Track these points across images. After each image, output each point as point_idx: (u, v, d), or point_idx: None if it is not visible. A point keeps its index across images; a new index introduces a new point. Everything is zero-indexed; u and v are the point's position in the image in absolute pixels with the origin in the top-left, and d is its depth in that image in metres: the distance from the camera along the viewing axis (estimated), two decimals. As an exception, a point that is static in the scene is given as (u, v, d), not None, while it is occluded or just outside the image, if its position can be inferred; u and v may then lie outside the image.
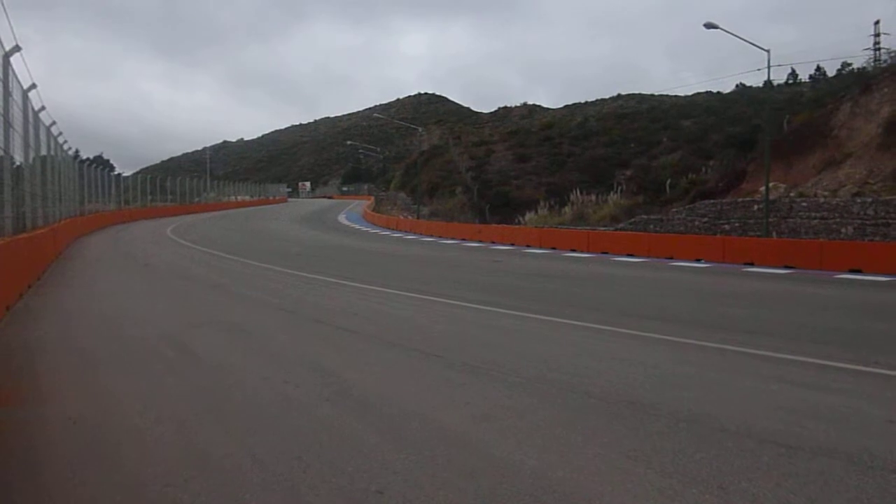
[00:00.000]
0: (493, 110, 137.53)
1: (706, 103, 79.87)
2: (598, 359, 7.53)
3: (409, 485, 4.08)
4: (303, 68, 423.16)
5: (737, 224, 25.40)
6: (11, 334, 9.32)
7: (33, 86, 19.37)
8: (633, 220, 30.00)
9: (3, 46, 14.68)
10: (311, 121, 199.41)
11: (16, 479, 4.35)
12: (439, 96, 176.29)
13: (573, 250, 25.56)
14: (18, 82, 16.97)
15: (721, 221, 25.99)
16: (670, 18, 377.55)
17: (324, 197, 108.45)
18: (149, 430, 5.24)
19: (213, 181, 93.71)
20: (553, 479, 4.15)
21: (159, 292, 14.06)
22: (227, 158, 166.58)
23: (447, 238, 34.61)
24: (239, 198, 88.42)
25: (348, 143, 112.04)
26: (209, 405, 5.90)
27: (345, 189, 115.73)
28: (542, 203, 42.78)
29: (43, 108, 22.90)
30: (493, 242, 30.53)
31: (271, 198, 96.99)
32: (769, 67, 27.40)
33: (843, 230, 21.89)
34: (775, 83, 52.67)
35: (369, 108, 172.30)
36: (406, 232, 40.42)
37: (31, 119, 19.53)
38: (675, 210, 29.07)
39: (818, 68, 75.32)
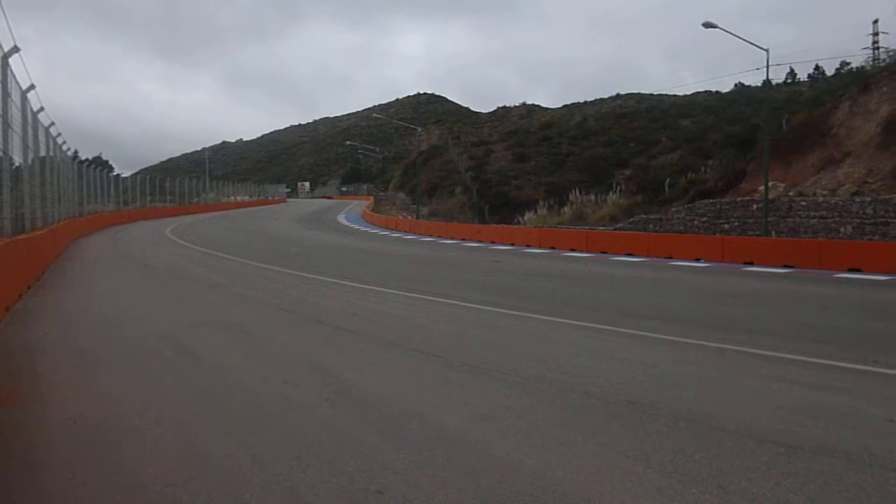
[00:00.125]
0: (492, 110, 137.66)
1: (705, 103, 79.93)
2: (598, 358, 7.53)
3: (408, 485, 4.08)
4: (301, 68, 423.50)
5: (736, 223, 25.41)
6: (11, 335, 9.32)
7: (32, 86, 19.36)
8: (632, 219, 30.02)
9: (1, 47, 14.67)
10: (310, 121, 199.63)
11: (16, 480, 4.35)
12: (438, 96, 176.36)
13: (572, 250, 25.57)
14: (17, 83, 16.95)
15: (720, 221, 26.00)
16: (669, 18, 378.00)
17: (323, 197, 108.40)
18: (148, 431, 5.24)
19: (212, 182, 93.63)
20: (552, 478, 4.15)
21: (159, 293, 14.06)
22: (227, 159, 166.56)
23: (446, 238, 34.60)
24: (238, 198, 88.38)
25: (347, 143, 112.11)
26: (209, 405, 5.90)
27: (344, 189, 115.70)
28: (541, 203, 42.82)
29: (42, 108, 22.88)
30: (493, 242, 30.53)
31: (270, 198, 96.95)
32: (768, 67, 27.42)
33: (842, 229, 21.91)
34: (774, 82, 52.70)
35: (368, 109, 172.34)
36: (405, 232, 40.42)
37: (29, 120, 19.51)
38: (674, 209, 29.09)
39: (817, 67, 75.42)
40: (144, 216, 51.68)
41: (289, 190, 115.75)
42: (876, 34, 49.73)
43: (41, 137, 22.85)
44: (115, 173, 64.55)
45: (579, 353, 7.81)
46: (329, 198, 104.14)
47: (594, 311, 10.89)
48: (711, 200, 27.78)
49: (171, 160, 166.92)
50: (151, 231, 37.61)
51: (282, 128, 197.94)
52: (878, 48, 46.92)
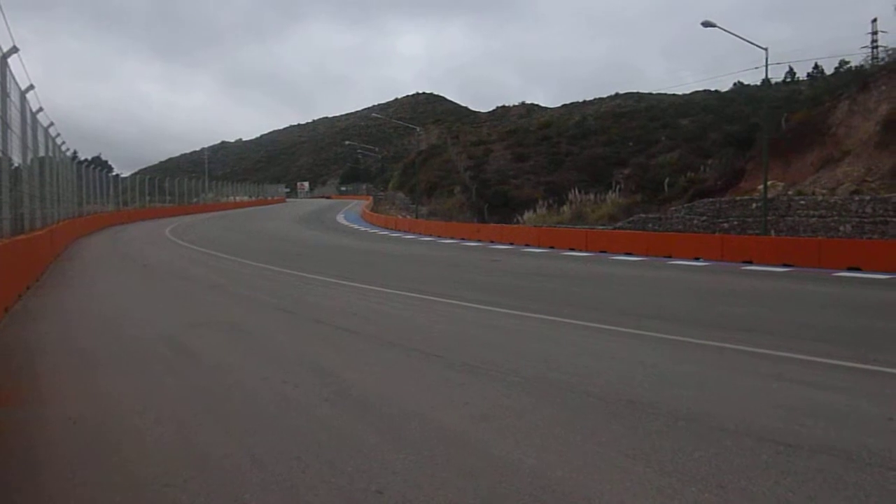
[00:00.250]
0: (491, 110, 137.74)
1: (704, 102, 80.00)
2: (597, 358, 7.54)
3: (408, 485, 4.08)
4: (300, 69, 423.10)
5: (735, 222, 25.42)
6: (11, 335, 9.32)
7: (31, 87, 19.35)
8: (631, 218, 30.03)
9: (0, 47, 14.67)
10: (310, 121, 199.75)
11: (16, 480, 4.35)
12: (437, 96, 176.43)
13: (572, 249, 25.57)
14: (16, 83, 16.95)
15: (720, 220, 26.01)
16: (667, 18, 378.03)
17: (322, 197, 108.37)
18: (148, 431, 5.25)
19: (211, 182, 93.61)
20: (552, 478, 4.16)
21: (158, 293, 14.06)
22: (226, 159, 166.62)
23: (446, 237, 34.61)
24: (237, 198, 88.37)
25: (346, 143, 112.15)
26: (208, 405, 5.90)
27: (343, 189, 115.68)
28: (540, 202, 42.83)
29: (41, 109, 22.88)
30: (492, 242, 30.53)
31: (270, 198, 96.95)
32: (767, 66, 27.41)
33: (841, 228, 21.91)
34: (773, 81, 52.74)
35: (367, 108, 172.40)
36: (405, 232, 40.42)
37: (28, 120, 19.51)
38: (673, 209, 29.10)
39: (816, 66, 75.24)
40: (144, 216, 51.67)
41: (288, 190, 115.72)
42: (875, 33, 49.70)
43: (40, 138, 22.84)
44: (114, 173, 64.61)
45: (579, 353, 7.81)
46: (328, 198, 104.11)
47: (593, 311, 10.89)
48: (711, 199, 27.78)
49: (170, 160, 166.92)
50: (151, 231, 37.61)
51: (281, 128, 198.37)
52: (876, 47, 46.91)
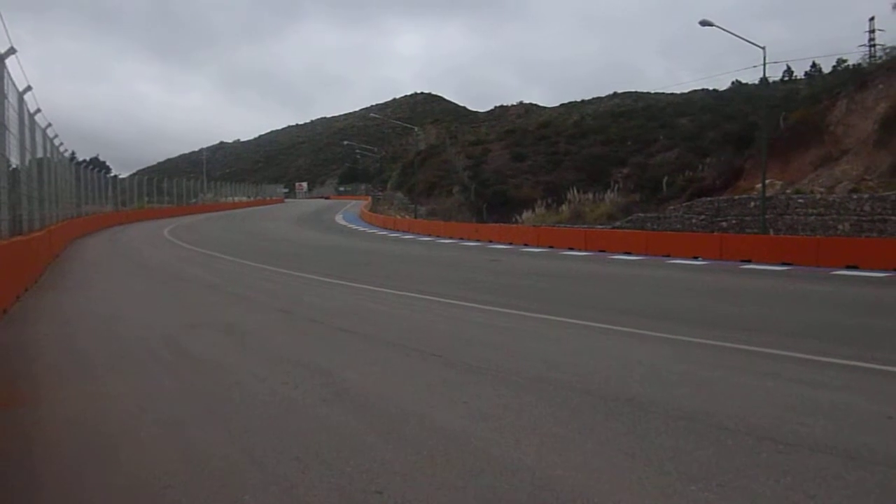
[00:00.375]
0: (489, 109, 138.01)
1: (702, 101, 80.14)
2: (597, 357, 7.54)
3: (407, 484, 4.07)
4: (298, 69, 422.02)
5: (734, 221, 25.43)
6: (9, 336, 9.30)
7: (29, 88, 19.34)
8: (630, 218, 30.03)
9: (-2, 49, 14.66)
10: (308, 121, 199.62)
11: (14, 481, 4.34)
12: (435, 96, 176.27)
13: (570, 249, 25.57)
14: (14, 85, 16.94)
15: (718, 219, 26.02)
16: (665, 17, 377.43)
17: (321, 197, 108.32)
18: (147, 432, 5.24)
19: (209, 182, 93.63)
20: (551, 477, 4.15)
21: (157, 294, 14.05)
22: (224, 159, 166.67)
23: (445, 237, 34.61)
24: (236, 199, 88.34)
25: (345, 143, 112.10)
26: (207, 406, 5.89)
27: (342, 189, 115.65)
28: (539, 202, 42.86)
29: (38, 110, 22.88)
30: (491, 241, 30.53)
31: (268, 198, 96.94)
32: (765, 64, 27.49)
33: (839, 226, 21.93)
34: (771, 80, 52.73)
35: (365, 108, 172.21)
36: (403, 232, 40.42)
37: (26, 121, 19.50)
38: (672, 208, 29.12)
39: (814, 65, 75.32)
40: (142, 217, 51.64)
41: (286, 190, 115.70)
42: (872, 31, 49.74)
43: (38, 139, 22.83)
44: (112, 174, 64.53)
45: (578, 352, 7.81)
46: (327, 198, 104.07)
47: (592, 310, 10.89)
48: (709, 198, 27.79)
49: (168, 161, 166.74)
50: (149, 232, 37.58)
51: (279, 128, 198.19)
52: (874, 45, 46.92)
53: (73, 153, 45.50)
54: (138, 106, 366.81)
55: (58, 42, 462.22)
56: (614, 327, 9.24)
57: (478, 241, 31.34)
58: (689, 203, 28.57)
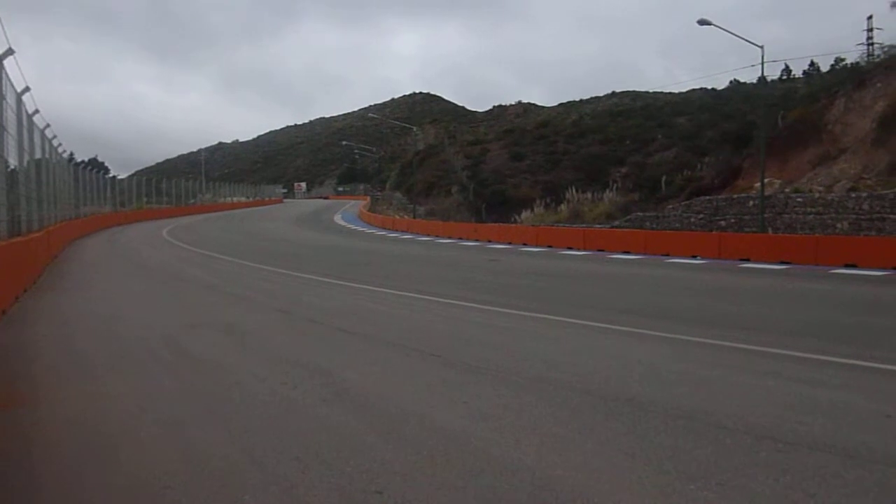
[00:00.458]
0: (487, 109, 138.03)
1: (700, 100, 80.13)
2: (596, 357, 7.54)
3: (407, 484, 4.07)
4: (296, 69, 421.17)
5: (732, 220, 25.44)
6: (8, 337, 9.30)
7: (27, 89, 19.33)
8: (628, 217, 30.02)
9: (-4, 49, 14.65)
10: (306, 121, 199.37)
11: (13, 482, 4.34)
12: (434, 95, 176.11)
13: (569, 248, 25.59)
14: (12, 85, 16.94)
15: (717, 218, 26.03)
16: (663, 16, 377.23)
17: (319, 197, 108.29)
18: (147, 432, 5.24)
19: (208, 182, 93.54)
20: (551, 477, 4.15)
21: (156, 294, 14.04)
22: (223, 160, 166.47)
23: (443, 237, 34.61)
24: (235, 199, 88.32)
25: (343, 143, 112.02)
26: (207, 406, 5.89)
27: (340, 189, 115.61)
28: (537, 201, 42.83)
29: (37, 111, 22.85)
30: (490, 241, 30.54)
31: (267, 199, 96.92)
32: (763, 64, 27.55)
33: (838, 225, 21.94)
34: (769, 79, 52.78)
35: (364, 108, 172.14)
36: (402, 232, 40.42)
37: (25, 122, 19.48)
38: (670, 207, 29.11)
39: (812, 64, 75.39)
40: (141, 218, 51.61)
41: (285, 191, 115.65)
42: (870, 30, 49.88)
43: (37, 140, 22.82)
44: (111, 175, 64.56)
45: (577, 352, 7.82)
46: (325, 198, 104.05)
47: (591, 310, 10.90)
48: (708, 197, 27.79)
49: (167, 161, 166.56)
50: (148, 232, 37.56)
51: (278, 128, 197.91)
52: (872, 44, 47.03)
53: (71, 154, 45.46)
54: (137, 106, 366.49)
55: (56, 43, 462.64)
56: (613, 327, 9.25)
57: (476, 240, 31.35)
58: (687, 202, 28.56)
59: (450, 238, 33.90)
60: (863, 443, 4.59)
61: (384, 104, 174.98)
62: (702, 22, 24.25)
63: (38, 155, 23.08)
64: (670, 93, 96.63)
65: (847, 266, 17.29)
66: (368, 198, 73.54)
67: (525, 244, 28.31)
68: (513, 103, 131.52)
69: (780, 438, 4.70)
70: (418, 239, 34.49)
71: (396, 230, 41.78)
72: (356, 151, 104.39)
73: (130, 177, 70.69)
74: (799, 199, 23.77)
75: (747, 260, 19.56)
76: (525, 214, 40.63)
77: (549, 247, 26.70)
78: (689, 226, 26.70)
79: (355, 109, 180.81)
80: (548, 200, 42.48)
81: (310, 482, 4.15)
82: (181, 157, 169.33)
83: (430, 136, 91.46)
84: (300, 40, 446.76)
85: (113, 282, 16.56)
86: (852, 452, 4.43)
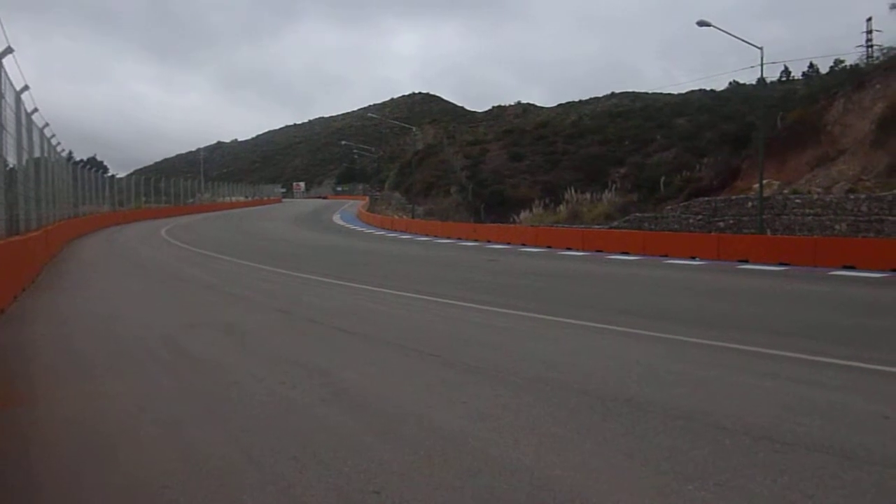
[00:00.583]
0: (486, 109, 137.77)
1: (699, 101, 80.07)
2: (594, 357, 7.55)
3: (405, 484, 4.08)
4: (295, 69, 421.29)
5: (731, 221, 25.44)
6: (6, 337, 9.29)
7: (26, 87, 19.32)
8: (627, 218, 30.02)
9: (-5, 48, 14.63)
10: (305, 121, 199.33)
11: (12, 481, 4.33)
12: (433, 96, 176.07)
13: (568, 248, 25.59)
14: (11, 84, 16.92)
15: (715, 219, 26.03)
16: (662, 17, 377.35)
17: (318, 197, 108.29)
18: (145, 431, 5.24)
19: (207, 182, 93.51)
20: (550, 477, 4.16)
21: (154, 294, 14.04)
22: (222, 159, 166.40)
23: (442, 237, 34.61)
24: (233, 198, 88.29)
25: (342, 143, 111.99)
26: (205, 406, 5.89)
27: (339, 189, 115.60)
28: (536, 202, 42.79)
29: (36, 109, 22.81)
30: (489, 241, 30.54)
31: (266, 198, 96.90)
32: (762, 65, 27.52)
33: (836, 227, 21.95)
34: (768, 80, 52.80)
35: (363, 108, 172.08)
36: (401, 232, 40.42)
37: (23, 121, 19.46)
38: (669, 208, 29.11)
39: (811, 65, 75.34)
40: (140, 217, 51.57)
41: (284, 190, 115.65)
42: (869, 32, 49.87)
43: (35, 138, 22.78)
44: (109, 174, 64.47)
45: (576, 352, 7.82)
46: (324, 198, 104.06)
47: (590, 310, 10.90)
48: (706, 198, 27.80)
49: (165, 161, 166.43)
50: (147, 232, 37.54)
51: (277, 128, 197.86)
52: (871, 46, 47.02)
53: (70, 153, 45.42)
54: (136, 106, 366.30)
55: (56, 42, 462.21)
56: (612, 327, 9.26)
57: (475, 241, 31.35)
58: (686, 203, 28.56)
59: (449, 238, 33.90)
60: (861, 444, 4.59)
61: (383, 104, 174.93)
62: (701, 23, 24.25)
63: (36, 154, 23.05)
64: (669, 94, 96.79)
65: (845, 267, 17.30)
66: (367, 198, 73.55)
67: (524, 244, 28.32)
68: (512, 103, 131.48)
69: (778, 439, 4.71)
70: (417, 239, 34.49)
71: (395, 230, 41.77)
72: (355, 151, 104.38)
73: (129, 176, 70.63)
74: (797, 201, 23.78)
75: (746, 261, 19.57)
76: (524, 215, 40.60)
77: (548, 247, 26.70)
78: (687, 227, 26.71)
79: (354, 109, 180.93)
80: (547, 201, 42.44)
81: (307, 482, 4.15)
82: (180, 157, 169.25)
83: (429, 136, 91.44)
84: (300, 40, 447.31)
85: (111, 281, 16.55)
86: (850, 453, 4.43)
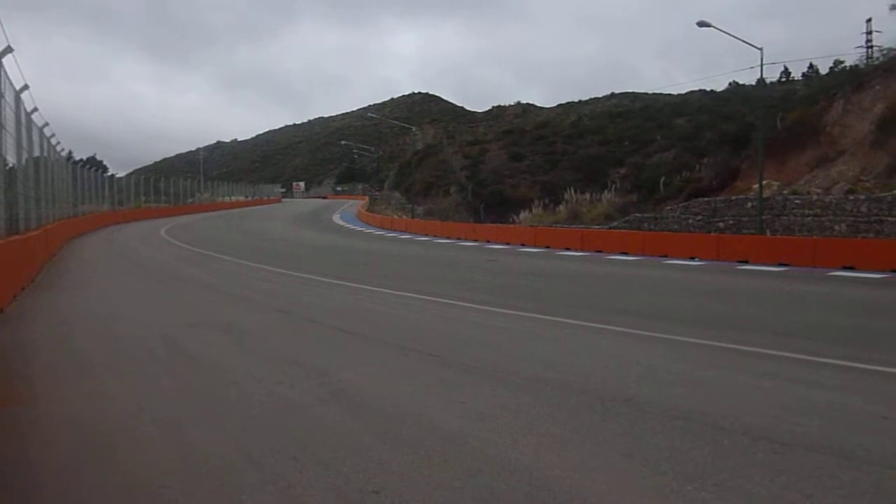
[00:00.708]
0: (486, 109, 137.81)
1: (699, 102, 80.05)
2: (593, 357, 7.55)
3: (404, 484, 4.08)
4: (295, 68, 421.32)
5: (731, 222, 25.45)
6: (6, 336, 9.29)
7: (25, 87, 19.32)
8: (627, 218, 30.02)
9: (-6, 48, 14.63)
10: (305, 121, 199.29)
11: (11, 481, 4.33)
12: (433, 95, 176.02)
13: (567, 249, 25.59)
14: (11, 83, 16.91)
15: (715, 219, 26.04)
16: (662, 17, 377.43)
17: (318, 197, 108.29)
18: (144, 431, 5.24)
19: (206, 182, 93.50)
20: (549, 477, 4.16)
21: (154, 293, 14.03)
22: (221, 159, 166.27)
23: (442, 237, 34.61)
24: (233, 198, 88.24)
25: (342, 142, 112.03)
26: (204, 406, 5.89)
27: (339, 189, 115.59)
28: (536, 202, 42.80)
29: (35, 109, 22.81)
30: (488, 241, 30.54)
31: (265, 198, 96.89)
32: (762, 65, 27.54)
33: (836, 227, 21.96)
34: (768, 81, 52.73)
35: (363, 108, 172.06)
36: (400, 231, 40.41)
37: (23, 120, 19.46)
38: (669, 208, 29.12)
39: (811, 66, 75.26)
40: (139, 217, 51.56)
41: (284, 190, 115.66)
42: (869, 32, 49.84)
43: (35, 138, 22.78)
44: (109, 174, 64.44)
45: (575, 352, 7.83)
46: (324, 198, 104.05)
47: (589, 310, 10.91)
48: (706, 199, 27.81)
49: (165, 160, 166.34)
50: (146, 231, 37.53)
51: (276, 128, 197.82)
52: (871, 46, 47.00)
53: (69, 152, 45.40)
54: (136, 106, 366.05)
55: (56, 41, 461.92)
56: (611, 327, 9.26)
57: (475, 241, 31.35)
58: (685, 203, 28.56)
59: (448, 238, 33.90)
60: (859, 444, 4.59)
61: (383, 104, 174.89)
62: (701, 24, 24.26)
63: (36, 153, 23.06)
64: (669, 94, 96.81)
65: (845, 268, 17.30)
66: (367, 197, 73.54)
67: (523, 244, 28.32)
68: (512, 104, 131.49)
69: (776, 439, 4.71)
70: (416, 239, 34.49)
71: (395, 230, 41.77)
72: (355, 151, 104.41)
73: (129, 176, 70.55)
74: (797, 201, 23.79)
75: (745, 261, 19.58)
76: (523, 215, 40.61)
77: (548, 247, 26.70)
78: (687, 227, 26.71)
79: (354, 109, 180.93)
80: (546, 201, 42.45)
81: (307, 482, 4.15)
82: (179, 157, 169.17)
83: (428, 136, 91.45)
84: (299, 40, 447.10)
85: (111, 281, 16.55)
86: (849, 454, 4.43)
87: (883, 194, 21.65)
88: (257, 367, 7.20)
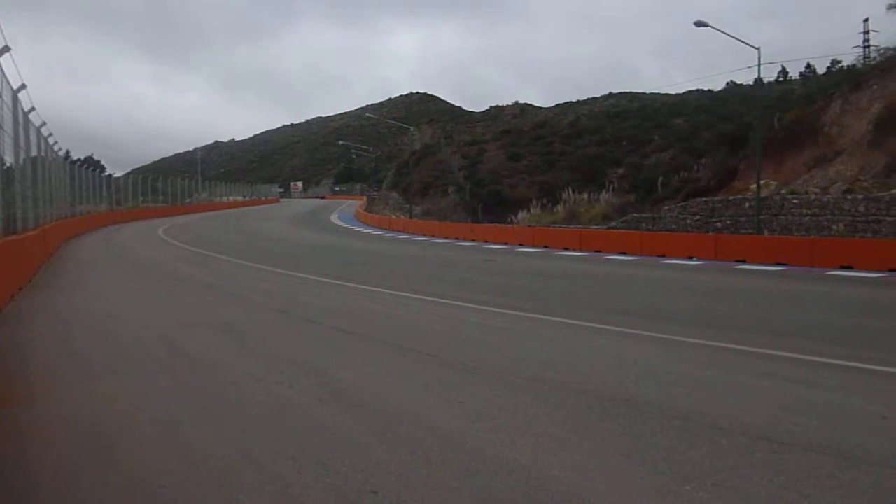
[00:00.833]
0: (484, 109, 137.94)
1: (697, 101, 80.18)
2: (592, 357, 7.55)
3: (403, 484, 4.08)
4: (293, 68, 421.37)
5: (729, 221, 25.48)
6: (4, 336, 9.28)
7: (23, 86, 19.27)
8: (625, 218, 30.05)
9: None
10: (303, 121, 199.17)
11: (10, 481, 4.33)
12: (431, 95, 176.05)
13: (565, 249, 25.59)
14: (8, 83, 16.87)
15: (713, 219, 26.07)
16: (660, 18, 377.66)
17: (316, 197, 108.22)
18: (143, 431, 5.24)
19: (204, 182, 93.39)
20: (547, 477, 4.16)
21: (152, 293, 14.02)
22: (219, 159, 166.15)
23: (440, 237, 34.60)
24: (231, 198, 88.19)
25: (340, 142, 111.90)
26: (203, 406, 5.89)
27: (337, 189, 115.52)
28: (534, 202, 42.83)
29: (33, 108, 22.76)
30: (486, 241, 30.54)
31: (263, 198, 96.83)
32: (759, 65, 27.43)
33: (834, 227, 21.99)
34: (766, 81, 52.76)
35: (361, 108, 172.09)
36: (398, 231, 40.40)
37: (21, 120, 19.42)
38: (666, 208, 29.15)
39: (808, 66, 75.45)
40: (137, 216, 51.51)
41: (282, 190, 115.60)
42: (867, 32, 49.89)
43: (32, 137, 22.74)
44: (107, 173, 64.51)
45: (573, 352, 7.83)
46: (322, 198, 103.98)
47: (588, 310, 10.91)
48: (704, 199, 27.83)
49: (163, 160, 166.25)
50: (144, 231, 37.49)
51: (274, 127, 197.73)
52: (868, 46, 47.05)
53: (67, 152, 45.40)
54: (134, 105, 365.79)
55: (53, 41, 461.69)
56: (610, 327, 9.26)
57: (473, 241, 31.34)
58: (683, 203, 28.59)
59: (446, 238, 33.89)
60: (858, 444, 4.60)
61: (381, 104, 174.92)
62: (699, 24, 24.28)
63: (34, 153, 23.01)
64: (667, 94, 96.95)
65: (843, 268, 17.32)
66: (365, 197, 73.51)
67: (521, 245, 28.32)
68: (510, 103, 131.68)
69: (775, 439, 4.71)
70: (415, 239, 34.48)
71: (393, 230, 41.76)
72: (353, 151, 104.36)
73: (126, 175, 70.50)
74: (795, 201, 23.82)
75: (743, 261, 19.59)
76: (521, 215, 40.63)
77: (546, 247, 26.70)
78: (685, 227, 26.74)
79: (352, 109, 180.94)
80: (544, 201, 42.48)
81: (305, 482, 4.15)
82: (177, 156, 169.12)
83: (426, 135, 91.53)
84: (298, 40, 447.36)
85: (109, 280, 16.53)
86: (847, 454, 4.44)
87: (880, 194, 21.69)
88: (256, 367, 7.19)
